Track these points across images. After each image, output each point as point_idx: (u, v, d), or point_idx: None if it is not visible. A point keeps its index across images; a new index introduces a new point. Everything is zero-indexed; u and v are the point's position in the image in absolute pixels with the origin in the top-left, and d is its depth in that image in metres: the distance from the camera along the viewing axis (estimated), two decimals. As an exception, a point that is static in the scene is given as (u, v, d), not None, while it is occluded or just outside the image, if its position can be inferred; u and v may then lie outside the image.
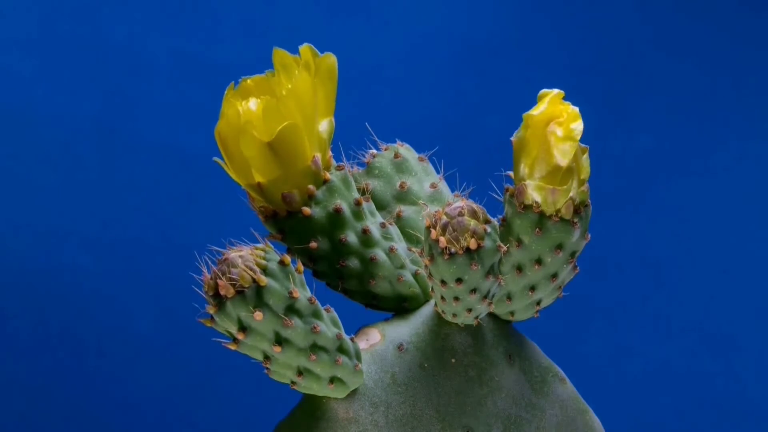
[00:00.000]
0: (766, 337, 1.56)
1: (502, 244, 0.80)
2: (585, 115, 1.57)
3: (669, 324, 1.57)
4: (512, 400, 0.86)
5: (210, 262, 0.78)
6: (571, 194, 0.81)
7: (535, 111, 0.81)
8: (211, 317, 0.79)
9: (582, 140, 0.82)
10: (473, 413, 0.85)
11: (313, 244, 0.83)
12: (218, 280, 0.78)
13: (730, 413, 1.56)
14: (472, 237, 0.79)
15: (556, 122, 0.80)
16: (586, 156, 0.81)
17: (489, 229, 0.79)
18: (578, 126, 0.80)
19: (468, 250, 0.79)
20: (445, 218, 0.79)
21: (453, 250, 0.78)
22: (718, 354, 1.56)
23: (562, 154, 0.80)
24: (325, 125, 0.83)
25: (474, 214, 0.80)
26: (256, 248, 0.79)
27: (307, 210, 0.82)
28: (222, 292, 0.77)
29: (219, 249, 0.79)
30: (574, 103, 0.81)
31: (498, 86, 1.56)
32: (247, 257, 0.78)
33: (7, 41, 1.49)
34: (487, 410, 0.85)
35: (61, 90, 1.49)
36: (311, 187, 0.83)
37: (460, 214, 0.79)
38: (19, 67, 1.49)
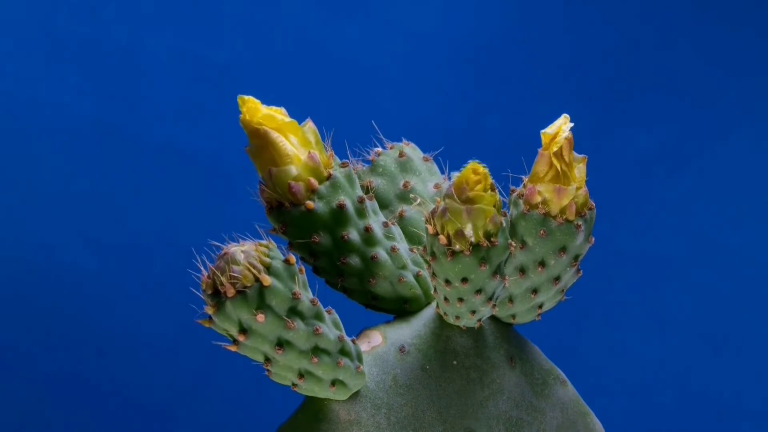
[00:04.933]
0: (766, 337, 1.56)
1: (512, 242, 0.78)
2: (585, 115, 1.57)
3: (669, 325, 1.56)
4: (513, 403, 0.86)
5: (208, 261, 0.77)
6: (572, 195, 0.81)
7: (549, 129, 0.81)
8: (210, 318, 0.77)
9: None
10: (475, 415, 0.84)
11: (315, 239, 0.83)
12: (216, 279, 0.76)
13: (730, 413, 1.56)
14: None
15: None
16: (582, 165, 0.81)
17: (504, 223, 0.77)
18: (566, 131, 0.80)
19: (477, 246, 0.76)
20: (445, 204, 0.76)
21: (458, 247, 0.76)
22: (718, 354, 1.56)
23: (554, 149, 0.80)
24: (308, 128, 0.83)
25: None
26: (261, 245, 0.78)
27: (310, 204, 0.82)
28: (221, 290, 0.76)
29: (218, 244, 0.78)
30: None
31: (502, 87, 1.56)
32: (251, 253, 0.76)
33: (7, 41, 1.48)
34: (488, 412, 0.85)
35: (61, 90, 1.49)
36: (313, 180, 0.82)
37: None
38: (19, 67, 1.48)
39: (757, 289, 1.57)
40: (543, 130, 0.80)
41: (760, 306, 1.57)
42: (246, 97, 0.82)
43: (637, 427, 1.55)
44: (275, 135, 0.81)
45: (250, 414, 1.51)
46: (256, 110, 0.81)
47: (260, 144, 0.82)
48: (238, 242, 0.78)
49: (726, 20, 1.58)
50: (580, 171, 0.81)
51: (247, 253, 0.76)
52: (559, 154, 0.79)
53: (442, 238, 0.76)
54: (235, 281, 0.75)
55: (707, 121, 1.58)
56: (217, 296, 0.76)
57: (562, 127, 0.79)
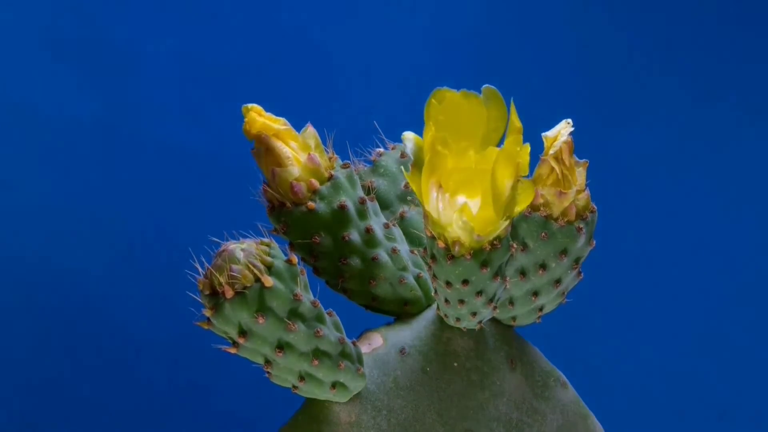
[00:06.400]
0: (766, 337, 1.56)
1: (513, 244, 0.78)
2: (586, 116, 1.57)
3: (669, 326, 1.56)
4: (514, 405, 0.86)
5: (207, 261, 0.76)
6: (573, 198, 0.81)
7: (550, 133, 0.80)
8: (208, 320, 0.76)
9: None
10: (475, 417, 0.84)
11: (316, 239, 0.83)
12: (214, 279, 0.75)
13: (730, 413, 1.56)
14: None
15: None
16: (581, 169, 0.81)
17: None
18: (563, 137, 0.80)
19: (478, 250, 0.75)
20: None
21: (458, 250, 0.75)
22: (718, 354, 1.56)
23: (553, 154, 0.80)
24: (308, 133, 0.83)
25: None
26: (262, 242, 0.77)
27: (311, 204, 0.82)
28: (219, 291, 0.75)
29: (217, 240, 0.77)
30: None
31: (502, 88, 1.56)
32: (251, 251, 0.75)
33: (7, 41, 1.48)
34: (488, 414, 0.85)
35: (61, 90, 1.49)
36: (314, 181, 0.82)
37: None
38: (19, 67, 1.48)
39: (757, 289, 1.57)
40: (544, 134, 0.80)
41: (761, 306, 1.57)
42: (249, 106, 0.82)
43: (638, 428, 1.55)
44: (274, 141, 0.82)
45: (251, 415, 1.51)
46: (254, 120, 0.82)
47: (264, 147, 0.82)
48: (238, 240, 0.77)
49: (727, 20, 1.58)
50: (580, 175, 0.81)
51: (247, 251, 0.75)
52: (559, 158, 0.79)
53: (441, 242, 0.75)
54: (234, 281, 0.75)
55: (707, 122, 1.58)
56: (215, 297, 0.76)
57: (561, 131, 0.80)
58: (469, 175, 0.72)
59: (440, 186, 0.72)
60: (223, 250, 0.75)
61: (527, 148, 0.73)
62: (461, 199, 0.72)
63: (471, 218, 0.73)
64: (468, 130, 0.74)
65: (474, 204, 0.73)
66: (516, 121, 0.72)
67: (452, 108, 0.73)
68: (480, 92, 0.75)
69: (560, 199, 0.80)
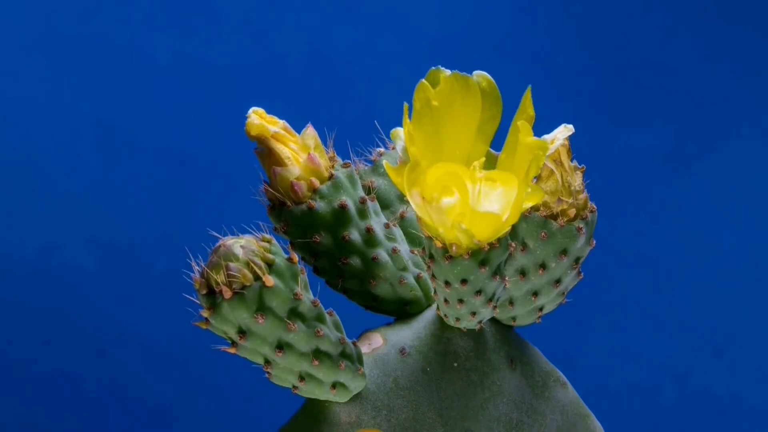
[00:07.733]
0: (766, 337, 1.56)
1: (512, 243, 0.78)
2: (586, 115, 1.57)
3: (669, 325, 1.56)
4: (514, 405, 0.86)
5: (205, 261, 0.76)
6: (572, 199, 0.81)
7: (549, 136, 0.80)
8: (206, 320, 0.76)
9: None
10: (475, 417, 0.84)
11: (316, 239, 0.83)
12: (211, 278, 0.74)
13: (730, 413, 1.56)
14: None
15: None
16: (579, 173, 0.81)
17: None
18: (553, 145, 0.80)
19: (477, 250, 0.74)
20: None
21: (455, 250, 0.75)
22: (718, 354, 1.56)
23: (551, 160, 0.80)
24: (307, 134, 0.83)
25: None
26: (264, 238, 0.76)
27: (312, 203, 0.82)
28: (216, 290, 0.75)
29: (217, 235, 0.76)
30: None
31: (502, 88, 1.56)
32: (251, 248, 0.75)
33: (7, 41, 1.48)
34: (488, 414, 0.85)
35: (61, 90, 1.49)
36: (314, 180, 0.82)
37: None
38: (19, 67, 1.48)
39: (757, 289, 1.57)
40: (543, 137, 0.80)
41: (760, 306, 1.57)
42: (251, 110, 0.82)
43: (638, 428, 1.55)
44: (273, 142, 0.82)
45: (251, 415, 1.51)
46: (253, 122, 0.82)
47: (265, 148, 0.83)
48: (237, 236, 0.77)
49: (727, 19, 1.58)
50: (577, 177, 0.81)
51: (246, 248, 0.75)
52: (557, 160, 0.79)
53: (438, 242, 0.75)
54: (232, 280, 0.74)
55: (707, 121, 1.57)
56: (213, 296, 0.75)
57: (557, 135, 0.80)
58: (451, 179, 0.71)
59: (423, 198, 0.72)
60: (220, 246, 0.75)
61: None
62: (447, 201, 0.72)
63: (469, 224, 0.72)
64: (464, 119, 0.73)
65: (453, 201, 0.72)
66: (529, 108, 0.72)
67: (446, 93, 0.73)
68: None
69: (559, 204, 0.80)
